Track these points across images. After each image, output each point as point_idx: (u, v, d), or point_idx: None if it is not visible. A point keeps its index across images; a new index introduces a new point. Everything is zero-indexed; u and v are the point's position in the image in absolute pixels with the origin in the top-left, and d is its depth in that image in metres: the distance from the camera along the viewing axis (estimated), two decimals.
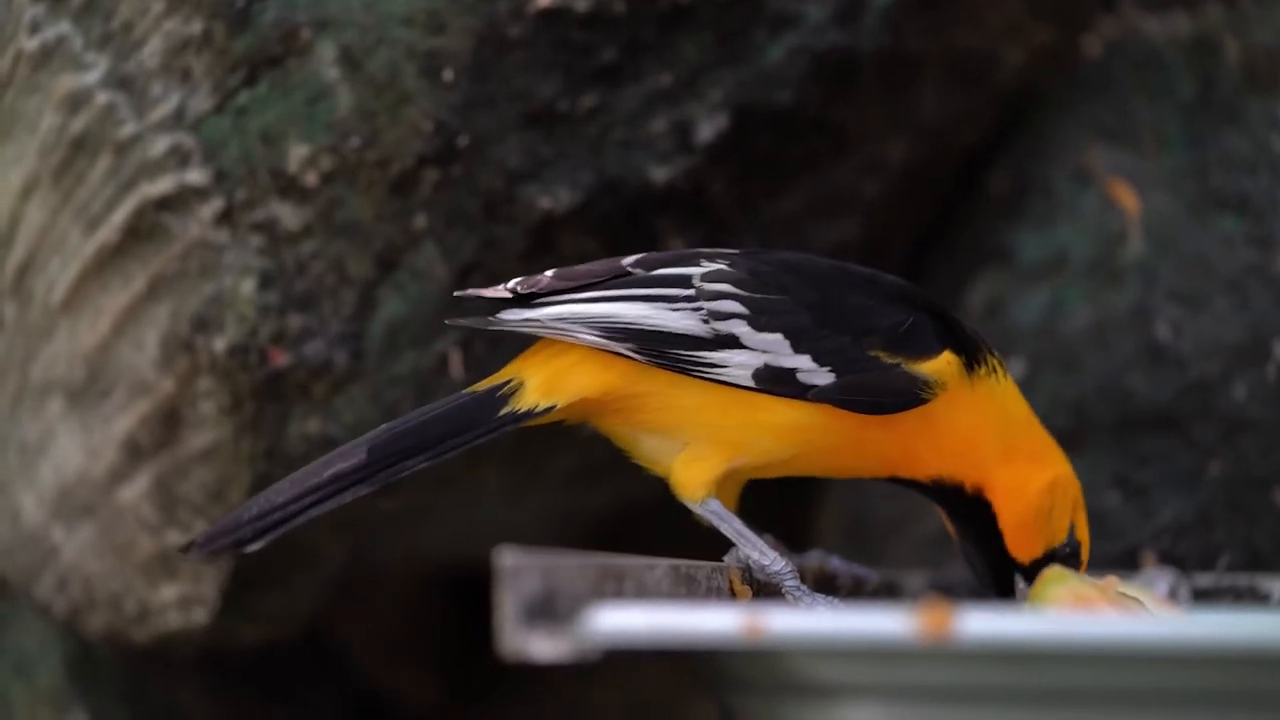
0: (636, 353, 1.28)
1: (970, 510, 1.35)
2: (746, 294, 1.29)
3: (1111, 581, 1.28)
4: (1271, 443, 1.56)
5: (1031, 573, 1.34)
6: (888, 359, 1.28)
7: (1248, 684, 1.05)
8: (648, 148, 1.52)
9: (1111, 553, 1.56)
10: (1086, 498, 1.47)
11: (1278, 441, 1.55)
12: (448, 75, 1.49)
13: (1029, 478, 1.34)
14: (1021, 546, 1.35)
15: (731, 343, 1.28)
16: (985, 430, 1.32)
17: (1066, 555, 1.35)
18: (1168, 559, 1.55)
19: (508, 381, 1.30)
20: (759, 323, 1.28)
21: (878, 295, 1.31)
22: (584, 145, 1.52)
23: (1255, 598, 1.47)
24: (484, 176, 1.51)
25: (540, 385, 1.29)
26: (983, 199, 1.69)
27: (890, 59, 1.57)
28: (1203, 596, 1.48)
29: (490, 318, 1.31)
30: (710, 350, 1.28)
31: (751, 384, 1.27)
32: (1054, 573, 1.28)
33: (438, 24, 1.48)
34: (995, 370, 1.33)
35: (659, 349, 1.28)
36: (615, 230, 1.53)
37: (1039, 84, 1.68)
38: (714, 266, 1.30)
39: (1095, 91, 1.67)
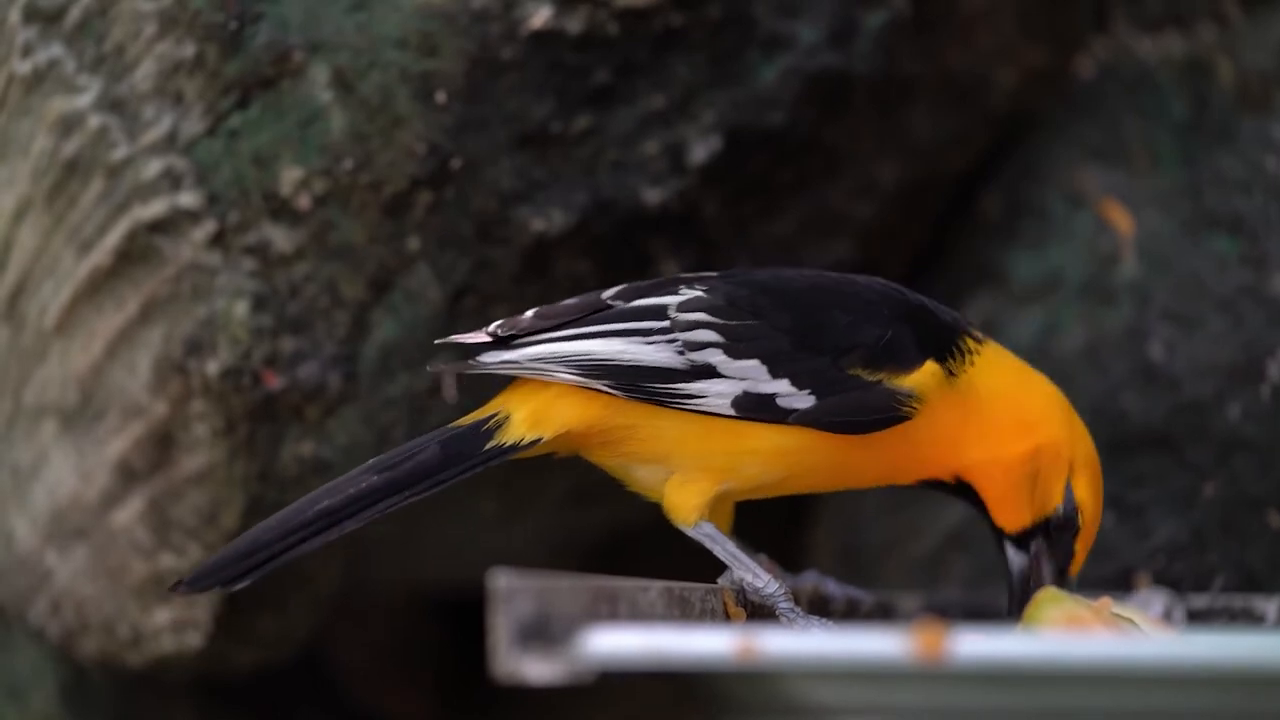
0: (614, 388, 1.28)
1: (958, 493, 1.33)
2: (722, 321, 1.28)
3: (1106, 603, 1.28)
4: (1266, 463, 1.55)
5: (1023, 540, 1.32)
6: (869, 376, 1.27)
7: (1242, 706, 1.05)
8: (641, 169, 1.52)
9: (1105, 573, 1.56)
10: None
11: (1272, 462, 1.55)
12: (440, 97, 1.49)
13: (1007, 449, 1.31)
14: (1006, 517, 1.32)
15: (708, 372, 1.27)
16: (965, 423, 1.30)
17: (1062, 520, 1.32)
18: (1162, 580, 1.55)
19: (493, 415, 1.30)
20: (735, 350, 1.28)
21: (858, 308, 1.29)
22: (577, 167, 1.52)
23: (1250, 619, 1.46)
24: (477, 198, 1.51)
25: (526, 418, 1.29)
26: (976, 220, 1.69)
27: (883, 81, 1.57)
28: (1197, 618, 1.47)
29: (470, 361, 1.31)
30: (686, 381, 1.27)
31: (732, 412, 1.27)
32: (1048, 594, 1.28)
33: (431, 46, 1.48)
34: (971, 352, 1.31)
35: (635, 383, 1.27)
36: (608, 252, 1.53)
37: (1032, 105, 1.69)
38: (691, 294, 1.30)
39: (1088, 112, 1.67)
